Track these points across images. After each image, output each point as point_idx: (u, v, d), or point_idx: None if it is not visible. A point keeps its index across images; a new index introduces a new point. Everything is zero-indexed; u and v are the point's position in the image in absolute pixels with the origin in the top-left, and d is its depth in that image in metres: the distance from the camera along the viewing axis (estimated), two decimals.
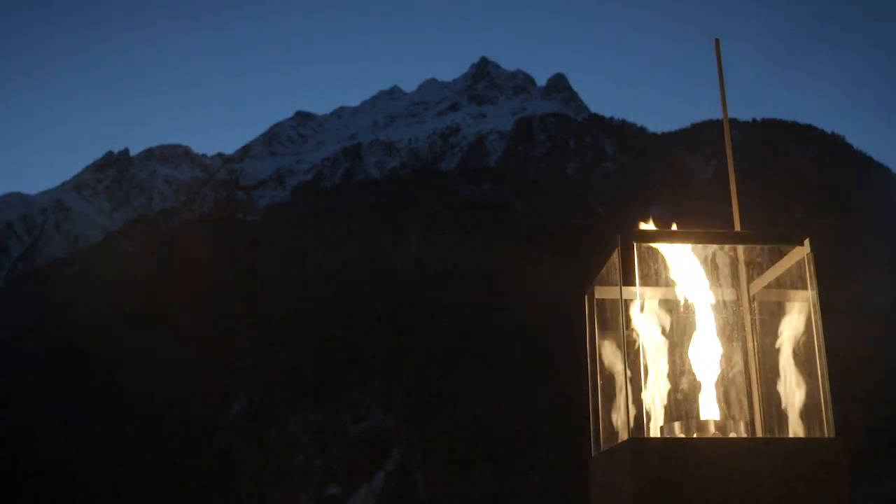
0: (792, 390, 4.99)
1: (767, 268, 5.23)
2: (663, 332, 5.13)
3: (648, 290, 5.13)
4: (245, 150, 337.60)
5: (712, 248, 5.18)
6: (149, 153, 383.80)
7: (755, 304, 5.32)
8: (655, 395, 5.04)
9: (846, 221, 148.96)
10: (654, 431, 4.95)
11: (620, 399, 5.12)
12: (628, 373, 4.82)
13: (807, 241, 4.97)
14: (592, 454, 5.45)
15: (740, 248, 5.35)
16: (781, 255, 5.13)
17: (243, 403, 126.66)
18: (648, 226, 5.18)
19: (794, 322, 5.05)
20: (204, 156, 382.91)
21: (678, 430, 4.87)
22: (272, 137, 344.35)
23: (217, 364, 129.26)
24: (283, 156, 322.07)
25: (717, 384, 5.05)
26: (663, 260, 5.10)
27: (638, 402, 4.93)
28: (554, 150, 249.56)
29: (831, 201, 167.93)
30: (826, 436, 4.74)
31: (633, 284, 4.84)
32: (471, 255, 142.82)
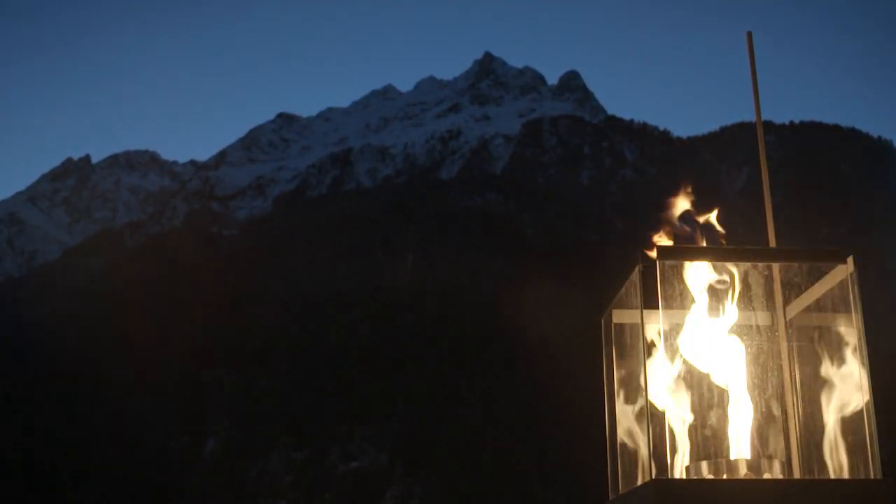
0: (834, 425, 4.98)
1: (806, 288, 5.23)
2: (689, 360, 5.12)
3: (673, 314, 5.12)
4: (221, 157, 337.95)
5: (744, 266, 5.17)
6: (112, 160, 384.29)
7: (792, 330, 5.31)
8: (680, 432, 5.03)
9: (894, 236, 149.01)
10: (679, 472, 4.94)
11: (641, 435, 5.11)
12: (650, 406, 4.82)
13: (850, 259, 4.96)
14: (609, 496, 5.44)
15: (776, 267, 5.34)
16: (822, 274, 5.12)
17: (219, 438, 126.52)
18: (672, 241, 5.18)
19: (836, 349, 5.04)
20: (174, 163, 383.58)
21: (706, 471, 4.86)
22: (251, 142, 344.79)
23: (190, 394, 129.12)
24: (264, 162, 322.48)
25: (749, 419, 5.04)
26: (690, 280, 5.09)
27: (661, 439, 4.92)
28: (566, 156, 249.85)
29: (878, 214, 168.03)
30: (872, 477, 4.73)
31: (656, 307, 4.84)
32: (473, 274, 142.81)
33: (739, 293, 5.18)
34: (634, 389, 5.25)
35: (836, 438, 4.96)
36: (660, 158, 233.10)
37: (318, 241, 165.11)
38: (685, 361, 5.12)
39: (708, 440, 5.04)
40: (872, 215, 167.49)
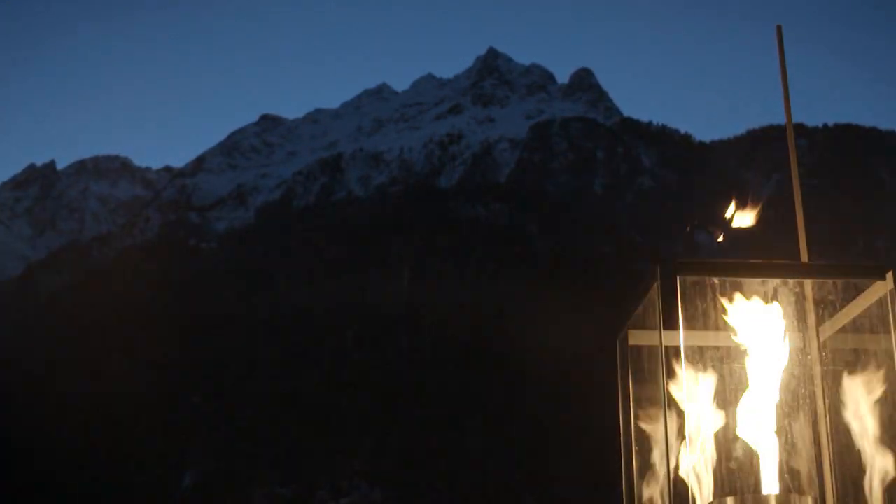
0: (871, 458, 4.98)
1: (841, 307, 5.22)
2: (713, 386, 5.12)
3: (695, 335, 5.12)
4: (198, 163, 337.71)
5: (774, 283, 5.17)
6: (79, 166, 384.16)
7: (826, 352, 5.31)
8: (703, 464, 5.03)
9: None
10: None
11: (660, 468, 5.11)
12: (670, 436, 4.82)
13: (889, 275, 4.96)
14: None
15: (808, 284, 5.34)
16: (858, 291, 5.12)
17: (196, 473, 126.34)
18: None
19: (874, 374, 5.04)
20: (147, 169, 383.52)
21: None
22: (232, 147, 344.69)
23: (164, 424, 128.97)
24: (246, 169, 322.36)
25: (778, 450, 5.04)
26: (713, 298, 5.09)
27: (682, 472, 4.92)
28: (578, 162, 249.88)
29: None
30: None
31: (677, 328, 4.83)
32: (476, 292, 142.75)
33: (768, 312, 5.17)
34: (653, 418, 5.25)
35: (873, 471, 4.97)
36: (680, 165, 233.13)
37: (305, 255, 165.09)
38: (709, 386, 5.12)
39: (734, 473, 5.04)
40: None
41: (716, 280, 5.07)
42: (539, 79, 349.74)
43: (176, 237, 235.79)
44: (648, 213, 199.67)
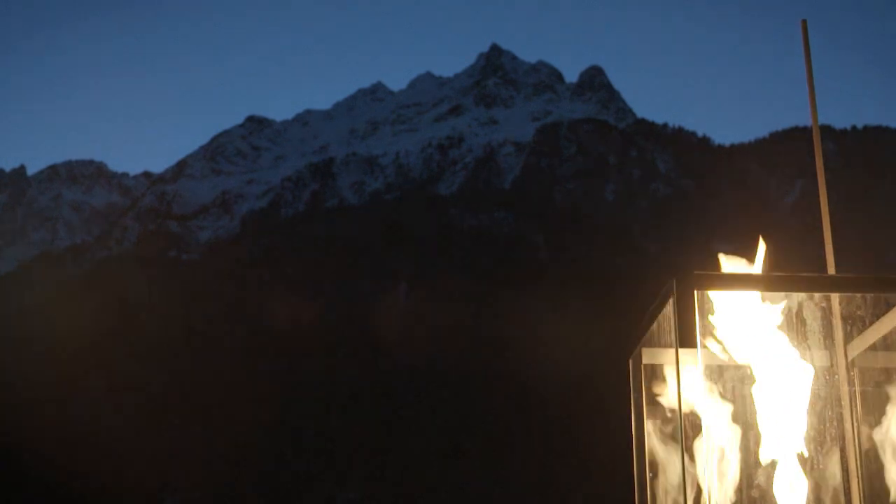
0: None
1: (871, 323, 5.22)
2: (733, 407, 5.12)
3: (713, 353, 5.11)
4: (179, 168, 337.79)
5: (798, 297, 5.17)
6: (52, 172, 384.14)
7: (855, 371, 5.30)
8: (723, 490, 5.03)
9: None
10: None
11: (677, 496, 5.11)
12: (687, 460, 4.81)
13: None
14: None
15: (835, 298, 5.34)
16: (889, 306, 5.11)
17: (177, 501, 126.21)
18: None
19: None
20: (124, 175, 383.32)
21: None
22: (216, 150, 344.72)
23: (145, 449, 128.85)
24: (230, 175, 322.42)
25: (804, 475, 5.04)
26: (733, 313, 5.09)
27: (700, 500, 4.91)
28: (588, 167, 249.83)
29: None
30: None
31: (694, 345, 4.83)
32: (477, 307, 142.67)
33: (793, 328, 5.17)
34: (669, 441, 5.25)
35: None
36: (698, 169, 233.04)
37: (294, 267, 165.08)
38: (729, 408, 5.11)
39: (756, 501, 5.04)
40: None
41: (738, 294, 5.06)
42: (546, 77, 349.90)
43: (155, 248, 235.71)
44: (664, 222, 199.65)
